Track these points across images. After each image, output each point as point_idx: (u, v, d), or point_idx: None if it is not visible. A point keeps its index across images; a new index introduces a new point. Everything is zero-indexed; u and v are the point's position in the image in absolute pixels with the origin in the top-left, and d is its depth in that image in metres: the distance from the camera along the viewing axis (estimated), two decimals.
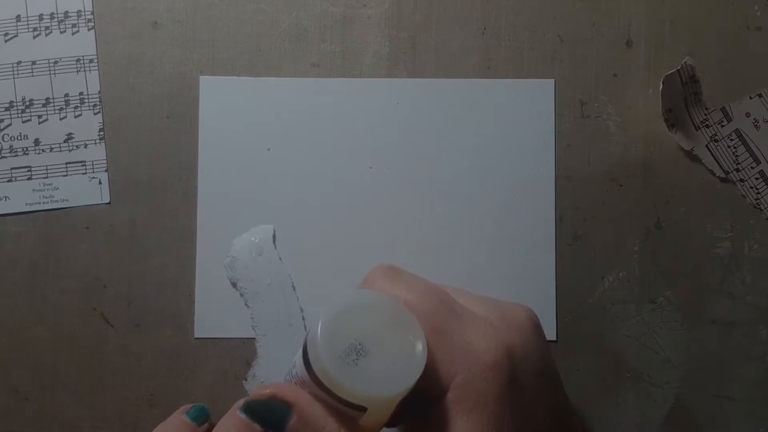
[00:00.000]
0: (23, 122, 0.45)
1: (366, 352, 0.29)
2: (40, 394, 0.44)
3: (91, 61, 0.45)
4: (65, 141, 0.45)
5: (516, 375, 0.31)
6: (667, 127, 0.45)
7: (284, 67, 0.46)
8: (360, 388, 0.29)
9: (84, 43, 0.45)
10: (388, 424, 0.31)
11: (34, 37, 0.45)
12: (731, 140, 0.45)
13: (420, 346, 0.30)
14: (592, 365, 0.45)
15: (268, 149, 0.45)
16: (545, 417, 0.32)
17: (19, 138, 0.45)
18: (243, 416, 0.42)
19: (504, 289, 0.45)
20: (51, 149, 0.45)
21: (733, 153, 0.45)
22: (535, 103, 0.46)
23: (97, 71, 0.45)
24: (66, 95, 0.45)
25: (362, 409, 0.29)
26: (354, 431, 0.30)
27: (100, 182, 0.45)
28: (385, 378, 0.29)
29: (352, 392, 0.29)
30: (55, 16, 0.45)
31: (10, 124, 0.45)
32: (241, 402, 0.42)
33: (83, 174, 0.45)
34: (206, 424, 0.42)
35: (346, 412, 0.30)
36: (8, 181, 0.45)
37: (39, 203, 0.45)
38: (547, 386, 0.33)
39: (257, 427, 0.42)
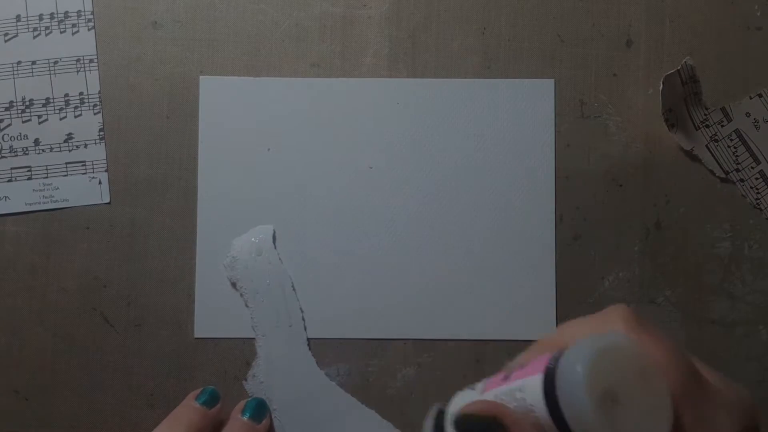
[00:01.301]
0: (23, 122, 0.45)
1: (617, 402, 0.28)
2: (40, 394, 0.44)
3: (91, 61, 0.45)
4: (65, 141, 0.45)
5: None
6: (667, 127, 0.45)
7: (284, 67, 0.46)
8: None
9: (84, 43, 0.45)
10: None
11: (34, 37, 0.45)
12: (731, 140, 0.45)
13: (669, 408, 0.28)
14: None
15: (268, 149, 0.45)
16: None
17: (19, 138, 0.45)
18: (245, 418, 0.42)
19: (504, 288, 0.45)
20: (51, 149, 0.45)
21: (733, 153, 0.45)
22: (535, 103, 0.46)
23: (97, 71, 0.45)
24: (66, 95, 0.45)
25: None
26: None
27: (100, 182, 0.45)
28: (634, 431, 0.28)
29: None
30: (55, 16, 0.45)
31: (10, 124, 0.45)
32: (242, 405, 0.43)
33: (83, 174, 0.45)
34: (217, 407, 0.42)
35: None
36: (8, 181, 0.45)
37: (39, 203, 0.45)
38: None
39: (259, 426, 0.42)
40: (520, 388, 0.30)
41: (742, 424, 0.30)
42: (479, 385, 0.32)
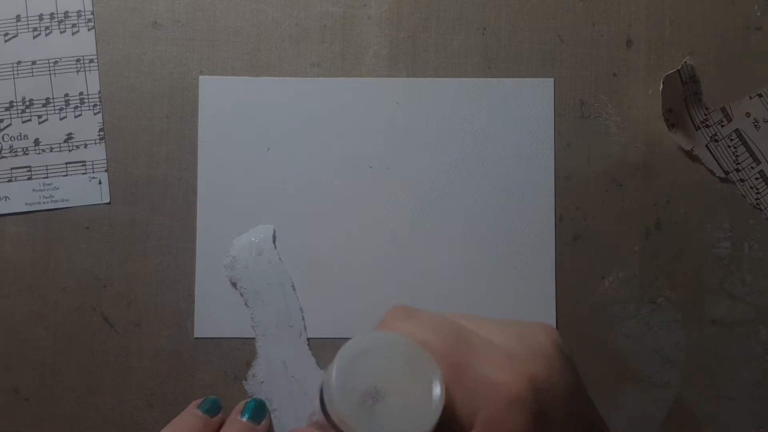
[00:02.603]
0: (23, 122, 0.45)
1: (382, 396, 0.29)
2: (40, 394, 0.44)
3: (91, 61, 0.45)
4: (65, 141, 0.45)
5: (542, 406, 0.29)
6: (667, 127, 0.45)
7: (284, 67, 0.46)
8: None
9: (84, 43, 0.45)
10: None
11: (34, 37, 0.45)
12: (731, 140, 0.45)
13: (438, 388, 0.29)
14: (592, 365, 0.45)
15: (268, 149, 0.45)
16: None
17: (19, 138, 0.45)
18: (244, 419, 0.42)
19: (504, 289, 0.45)
20: (51, 149, 0.45)
21: (733, 153, 0.45)
22: (534, 102, 0.46)
23: (97, 71, 0.45)
24: (66, 95, 0.45)
25: None
26: None
27: (100, 182, 0.45)
28: (401, 423, 0.28)
29: None
30: (55, 16, 0.45)
31: (10, 124, 0.45)
32: (241, 406, 0.43)
33: (83, 174, 0.45)
34: (219, 416, 0.42)
35: None
36: (8, 181, 0.45)
37: (39, 203, 0.45)
38: (576, 410, 0.32)
39: (259, 427, 0.42)
40: (314, 407, 0.31)
41: (525, 374, 0.29)
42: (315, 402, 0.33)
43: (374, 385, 0.29)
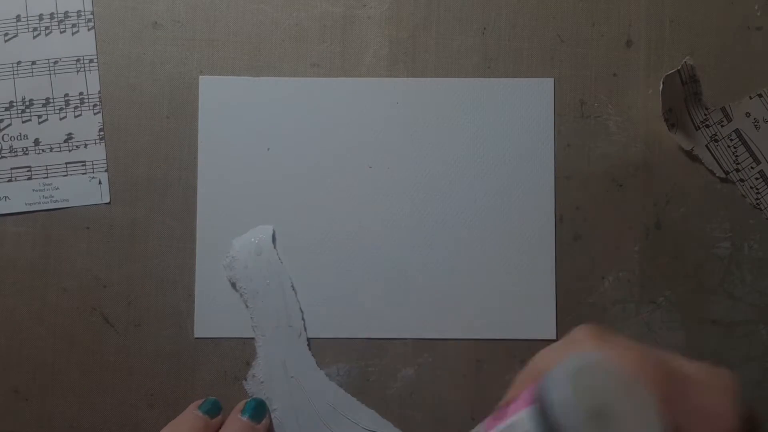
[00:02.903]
0: (23, 122, 0.45)
1: (607, 422, 0.27)
2: (40, 394, 0.44)
3: (91, 61, 0.45)
4: (65, 141, 0.45)
5: None
6: (667, 127, 0.45)
7: (284, 67, 0.46)
8: None
9: (84, 43, 0.45)
10: None
11: (34, 37, 0.45)
12: (731, 140, 0.45)
13: (660, 416, 0.28)
14: None
15: (268, 149, 0.45)
16: None
17: (19, 138, 0.45)
18: (244, 418, 0.42)
19: (504, 288, 0.45)
20: (51, 149, 0.45)
21: (733, 153, 0.45)
22: (534, 102, 0.46)
23: (97, 71, 0.45)
24: (66, 95, 0.45)
25: None
26: None
27: (100, 182, 0.45)
28: None
29: None
30: (55, 16, 0.45)
31: (10, 124, 0.45)
32: (241, 405, 0.43)
33: (83, 174, 0.45)
34: (219, 417, 0.42)
35: None
36: (8, 181, 0.45)
37: (39, 203, 0.45)
38: None
39: (259, 426, 0.42)
40: (512, 424, 0.30)
41: (737, 407, 0.30)
42: (479, 427, 0.32)
43: (595, 406, 0.27)
